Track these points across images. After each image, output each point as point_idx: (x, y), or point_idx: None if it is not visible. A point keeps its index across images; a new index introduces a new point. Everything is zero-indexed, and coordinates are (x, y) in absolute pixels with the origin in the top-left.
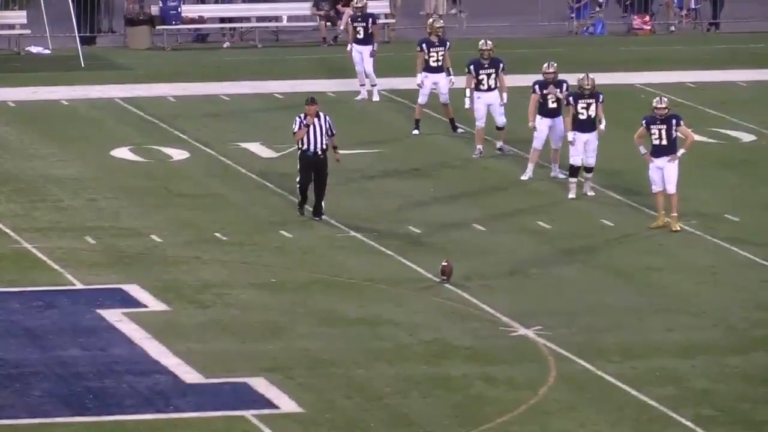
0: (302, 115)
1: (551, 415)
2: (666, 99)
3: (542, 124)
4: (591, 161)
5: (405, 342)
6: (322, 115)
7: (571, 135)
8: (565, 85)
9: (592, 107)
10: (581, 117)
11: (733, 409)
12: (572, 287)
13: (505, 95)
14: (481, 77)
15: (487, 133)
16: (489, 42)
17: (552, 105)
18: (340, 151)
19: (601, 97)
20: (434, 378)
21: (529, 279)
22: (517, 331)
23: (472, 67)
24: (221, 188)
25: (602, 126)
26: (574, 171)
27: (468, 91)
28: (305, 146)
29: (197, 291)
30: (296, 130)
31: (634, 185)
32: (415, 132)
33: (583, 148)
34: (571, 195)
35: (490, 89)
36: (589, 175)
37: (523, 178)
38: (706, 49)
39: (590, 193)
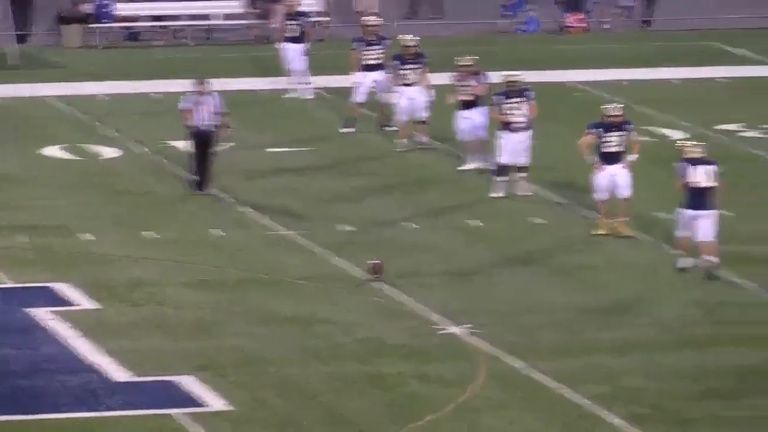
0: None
1: (481, 412)
2: (621, 105)
3: (462, 114)
4: (524, 160)
5: (339, 340)
6: (212, 93)
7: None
8: (483, 77)
9: (523, 106)
10: (512, 118)
11: (665, 406)
12: (505, 285)
13: (432, 91)
14: (404, 72)
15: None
16: (413, 37)
17: (468, 98)
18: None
19: (531, 95)
20: (368, 376)
21: (462, 277)
22: (450, 329)
23: (397, 62)
24: (154, 186)
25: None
26: (502, 170)
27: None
28: (196, 123)
29: (129, 289)
30: (185, 108)
31: (567, 182)
32: (350, 130)
33: (514, 148)
34: (499, 194)
35: (413, 84)
36: (524, 175)
37: (462, 168)
38: (639, 47)
39: (527, 193)
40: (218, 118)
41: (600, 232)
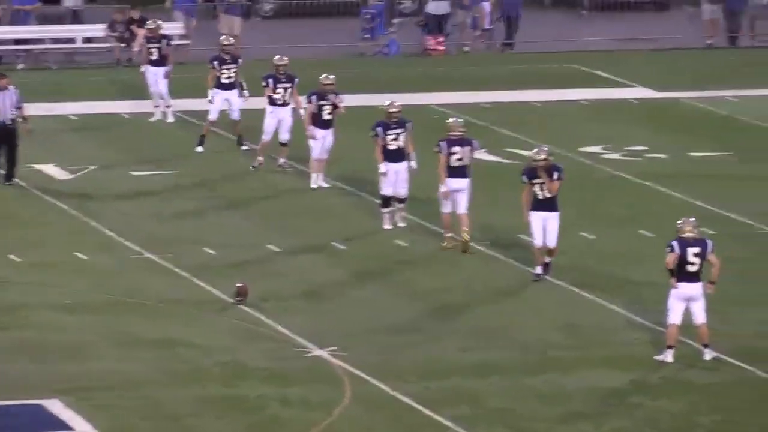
0: None
1: None
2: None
3: (318, 134)
4: (402, 192)
5: (201, 363)
6: (11, 87)
7: (383, 167)
8: (342, 97)
9: (402, 137)
10: (390, 148)
11: (527, 428)
12: (368, 308)
13: (301, 111)
14: (278, 92)
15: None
16: (285, 58)
17: (327, 117)
18: None
19: (408, 125)
20: (230, 399)
21: (325, 299)
22: (312, 352)
23: (270, 80)
24: (17, 210)
25: (413, 164)
26: (385, 201)
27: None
28: None
29: None
30: None
31: (427, 206)
32: (199, 149)
33: (395, 179)
34: (387, 225)
35: (284, 104)
36: (401, 206)
37: (312, 186)
38: (500, 70)
39: (401, 224)
40: (17, 111)
41: (447, 246)
